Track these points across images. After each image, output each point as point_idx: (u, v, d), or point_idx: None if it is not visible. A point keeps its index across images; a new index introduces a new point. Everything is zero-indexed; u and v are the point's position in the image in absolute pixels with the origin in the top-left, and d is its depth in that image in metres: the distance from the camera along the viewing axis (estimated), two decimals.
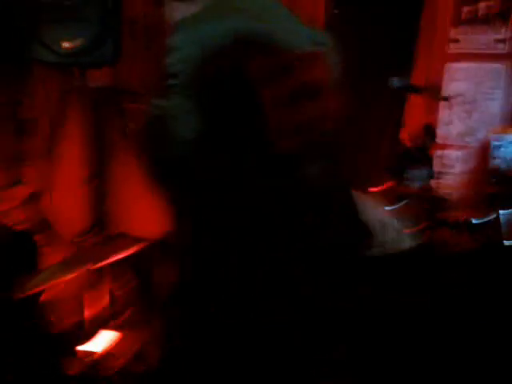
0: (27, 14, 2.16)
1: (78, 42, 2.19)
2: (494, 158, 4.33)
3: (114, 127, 2.90)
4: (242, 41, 1.00)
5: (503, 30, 4.50)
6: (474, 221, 3.73)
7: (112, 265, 2.51)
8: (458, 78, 4.65)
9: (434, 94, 2.28)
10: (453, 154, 4.56)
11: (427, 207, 3.83)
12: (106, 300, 2.51)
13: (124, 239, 2.79)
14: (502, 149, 4.33)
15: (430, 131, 4.09)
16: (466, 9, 4.59)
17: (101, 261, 2.45)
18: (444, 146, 4.56)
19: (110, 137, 2.85)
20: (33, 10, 2.15)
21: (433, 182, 4.20)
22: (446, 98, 2.29)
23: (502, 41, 4.51)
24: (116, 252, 2.53)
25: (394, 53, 4.62)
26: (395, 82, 2.28)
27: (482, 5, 4.54)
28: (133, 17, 2.75)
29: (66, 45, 2.19)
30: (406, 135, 4.51)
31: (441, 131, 4.47)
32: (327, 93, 1.06)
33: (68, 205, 2.66)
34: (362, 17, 4.57)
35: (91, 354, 2.38)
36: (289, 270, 1.15)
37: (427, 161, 4.18)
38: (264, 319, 1.14)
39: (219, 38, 1.00)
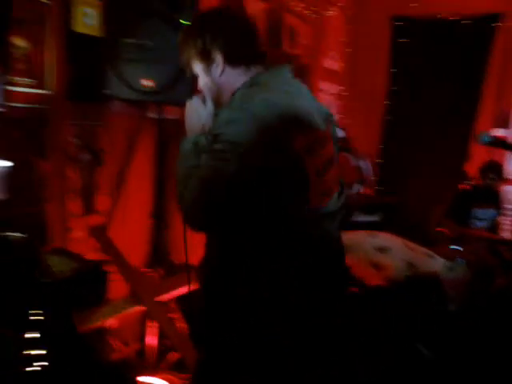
0: (109, 53, 2.23)
1: (156, 81, 2.24)
2: None
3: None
4: (289, 118, 1.19)
5: None
6: None
7: (170, 299, 2.52)
8: None
9: None
10: None
11: (494, 249, 3.65)
12: (163, 333, 2.51)
13: (184, 272, 2.81)
14: None
15: (495, 168, 3.89)
16: None
17: (167, 292, 2.46)
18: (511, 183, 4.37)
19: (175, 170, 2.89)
20: (114, 49, 2.22)
21: (500, 221, 4.01)
22: None
23: None
24: (180, 284, 2.54)
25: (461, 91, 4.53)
26: (483, 137, 2.18)
27: None
28: None
29: (145, 83, 2.24)
30: (471, 172, 4.35)
31: (509, 167, 4.29)
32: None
33: (132, 236, 2.71)
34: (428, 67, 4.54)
35: None
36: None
37: (494, 199, 4.00)
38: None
39: (272, 115, 1.17)
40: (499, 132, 4.52)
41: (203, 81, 1.39)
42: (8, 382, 1.49)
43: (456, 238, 3.77)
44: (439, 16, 4.54)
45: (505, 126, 4.53)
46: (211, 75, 1.36)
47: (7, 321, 1.55)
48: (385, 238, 2.95)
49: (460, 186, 4.22)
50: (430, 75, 4.60)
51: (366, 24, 4.71)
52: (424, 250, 3.03)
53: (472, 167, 4.42)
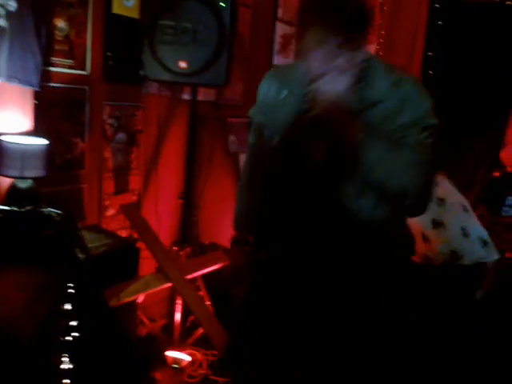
0: (146, 35, 2.25)
1: (191, 63, 2.25)
2: None
3: (215, 142, 2.98)
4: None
5: None
6: None
7: (197, 277, 2.58)
8: None
9: None
10: None
11: None
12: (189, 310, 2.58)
13: (215, 251, 2.87)
14: None
15: None
16: None
17: (192, 272, 2.52)
18: None
19: (208, 152, 2.93)
20: (151, 31, 2.24)
21: None
22: None
23: None
24: (208, 264, 2.60)
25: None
26: None
27: None
28: (244, 39, 2.81)
29: (182, 65, 2.26)
30: (506, 158, 4.24)
31: None
32: None
33: (163, 215, 2.77)
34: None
35: (179, 361, 2.47)
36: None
37: None
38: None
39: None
40: None
41: None
42: (47, 350, 1.57)
43: (488, 226, 3.72)
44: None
45: None
46: None
47: (48, 293, 1.63)
48: (444, 191, 2.75)
49: (494, 174, 4.13)
50: (470, 60, 4.46)
51: (402, 6, 4.59)
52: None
53: (508, 154, 4.31)
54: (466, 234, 2.70)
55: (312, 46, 1.18)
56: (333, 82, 1.19)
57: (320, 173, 1.30)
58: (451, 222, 2.71)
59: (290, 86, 1.34)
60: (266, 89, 1.42)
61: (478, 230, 2.80)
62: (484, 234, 2.81)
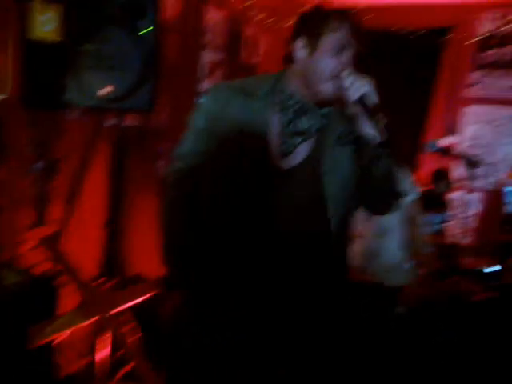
0: (68, 60, 2.17)
1: (115, 89, 2.20)
2: (508, 204, 4.35)
3: (141, 169, 2.91)
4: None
5: None
6: (486, 269, 3.71)
7: (124, 310, 2.48)
8: (478, 121, 4.68)
9: (465, 160, 2.30)
10: (467, 197, 4.57)
11: (441, 253, 3.81)
12: (116, 345, 2.47)
13: (138, 283, 2.78)
14: None
15: (443, 175, 4.06)
16: (489, 53, 4.62)
17: (116, 306, 2.42)
18: (458, 190, 4.57)
19: (134, 179, 2.86)
20: (74, 56, 2.16)
21: (447, 227, 4.19)
22: (475, 164, 2.30)
23: None
24: (131, 297, 2.51)
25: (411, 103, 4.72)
26: (432, 145, 2.29)
27: (502, 50, 4.59)
28: (170, 64, 2.79)
29: (105, 90, 2.20)
30: (420, 179, 4.52)
31: (455, 175, 4.49)
32: None
33: (86, 247, 2.65)
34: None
35: None
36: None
37: (442, 205, 4.18)
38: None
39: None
40: (448, 140, 4.73)
41: None
42: None
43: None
44: (392, 29, 4.70)
45: (454, 134, 4.74)
46: None
47: None
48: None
49: None
50: (382, 86, 4.75)
51: None
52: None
53: (421, 175, 4.61)
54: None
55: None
56: None
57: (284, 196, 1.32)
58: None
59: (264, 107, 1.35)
60: (223, 102, 1.36)
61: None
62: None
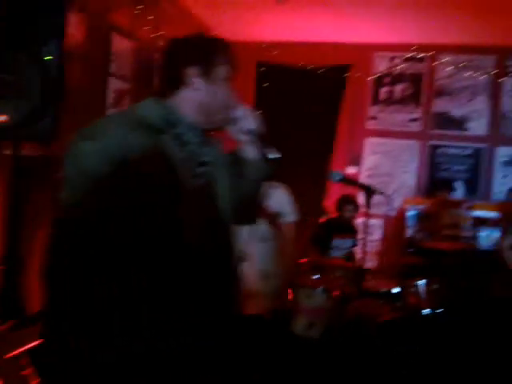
0: None
1: (15, 117, 2.11)
2: (410, 227, 4.65)
3: (41, 201, 2.77)
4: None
5: (416, 111, 4.96)
6: (393, 290, 3.89)
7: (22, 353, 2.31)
8: (377, 152, 5.02)
9: (364, 188, 2.44)
10: (374, 223, 4.83)
11: (351, 277, 3.95)
12: None
13: (38, 324, 2.60)
14: (417, 219, 4.66)
15: (351, 201, 4.25)
16: (383, 90, 5.03)
17: (18, 347, 2.25)
18: (365, 215, 4.81)
19: (33, 211, 2.71)
20: None
21: (356, 251, 4.37)
22: (373, 192, 2.45)
23: (415, 120, 4.97)
24: (33, 337, 2.35)
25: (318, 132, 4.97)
26: (335, 175, 2.41)
27: (397, 87, 5.00)
28: (75, 92, 2.73)
29: (1, 118, 2.10)
30: (330, 205, 4.72)
31: (362, 200, 4.74)
32: None
33: None
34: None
35: None
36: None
37: (350, 229, 4.37)
38: None
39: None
40: (351, 170, 5.01)
41: None
42: None
43: (317, 268, 4.04)
44: (299, 64, 4.96)
45: (357, 164, 5.03)
46: None
47: None
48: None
49: (320, 220, 4.55)
50: (291, 119, 4.97)
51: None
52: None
53: (330, 201, 4.81)
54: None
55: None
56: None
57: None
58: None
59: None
60: (121, 136, 1.19)
61: None
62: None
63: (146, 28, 4.16)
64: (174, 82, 1.31)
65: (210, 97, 1.32)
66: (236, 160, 1.42)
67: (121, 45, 3.44)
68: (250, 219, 1.58)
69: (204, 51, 1.32)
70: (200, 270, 1.28)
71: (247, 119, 1.38)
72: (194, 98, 1.31)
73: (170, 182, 1.24)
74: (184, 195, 1.26)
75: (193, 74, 1.29)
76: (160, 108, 1.30)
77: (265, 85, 5.02)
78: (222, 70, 1.32)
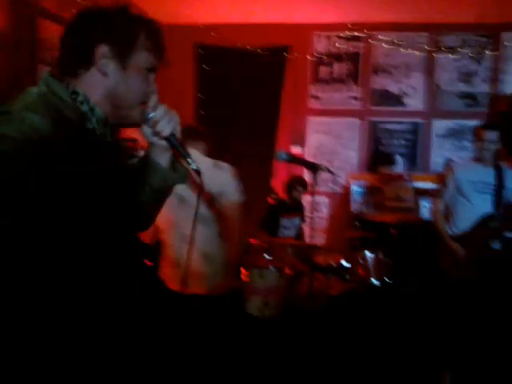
0: None
1: None
2: (355, 202, 4.77)
3: None
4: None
5: (356, 88, 5.06)
6: (344, 264, 4.00)
7: None
8: (320, 131, 5.09)
9: (309, 166, 2.46)
10: (320, 200, 4.92)
11: (301, 254, 4.02)
12: None
13: None
14: (362, 194, 4.78)
15: (300, 181, 4.31)
16: (323, 69, 5.08)
17: None
18: (312, 193, 4.89)
19: None
20: None
21: (304, 228, 4.45)
22: (318, 170, 2.48)
23: (355, 97, 5.07)
24: None
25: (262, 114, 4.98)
26: (281, 155, 2.41)
27: (336, 66, 5.07)
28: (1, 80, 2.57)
29: None
30: (277, 186, 4.76)
31: (308, 179, 4.81)
32: None
33: None
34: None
35: None
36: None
37: (299, 209, 4.43)
38: None
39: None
40: (296, 149, 5.06)
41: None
42: None
43: (268, 248, 4.07)
44: (239, 46, 4.92)
45: (301, 144, 5.08)
46: None
47: None
48: None
49: (269, 200, 4.59)
50: (234, 101, 4.95)
51: (171, 51, 4.87)
52: None
53: (277, 182, 4.85)
54: None
55: None
56: None
57: None
58: None
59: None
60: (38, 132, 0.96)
61: None
62: None
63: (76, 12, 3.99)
64: (81, 61, 1.08)
65: (120, 86, 1.10)
66: (144, 163, 1.22)
67: (49, 30, 3.28)
68: (141, 227, 1.34)
69: (121, 29, 1.08)
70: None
71: (165, 121, 1.14)
72: (101, 83, 1.09)
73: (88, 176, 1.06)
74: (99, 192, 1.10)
75: (102, 54, 1.07)
76: (69, 94, 1.08)
77: (205, 67, 4.96)
78: (141, 57, 1.10)
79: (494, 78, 4.95)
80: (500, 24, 4.85)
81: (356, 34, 4.98)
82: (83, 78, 1.09)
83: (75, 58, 1.08)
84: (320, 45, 5.08)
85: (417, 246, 4.13)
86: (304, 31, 5.00)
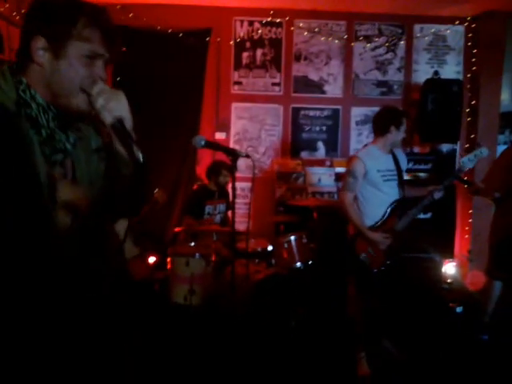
0: None
1: None
2: (278, 188, 4.85)
3: None
4: None
5: (278, 75, 5.10)
6: (268, 248, 4.06)
7: None
8: (243, 117, 5.09)
9: (229, 153, 2.45)
10: (243, 186, 4.94)
11: (225, 241, 4.03)
12: None
13: None
14: (285, 179, 4.87)
15: (225, 166, 4.28)
16: (245, 54, 5.07)
17: None
18: (236, 179, 4.89)
19: None
20: None
21: (229, 215, 4.45)
22: (238, 156, 2.47)
23: (277, 84, 5.11)
24: None
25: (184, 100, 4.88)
26: (198, 141, 2.37)
27: (258, 52, 5.07)
28: None
29: None
30: (201, 173, 4.71)
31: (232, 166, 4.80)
32: None
33: None
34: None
35: None
36: None
37: (223, 195, 4.42)
38: None
39: None
40: (220, 135, 5.03)
41: None
42: None
43: (193, 235, 4.04)
44: (158, 28, 4.76)
45: (226, 130, 5.05)
46: None
47: None
48: None
49: (194, 187, 4.54)
50: (153, 85, 4.80)
51: None
52: None
53: (201, 168, 4.81)
54: None
55: None
56: None
57: None
58: None
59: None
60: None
61: None
62: None
63: (6, 6, 3.69)
64: (22, 53, 1.14)
65: (55, 75, 1.14)
66: (109, 151, 1.25)
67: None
68: (130, 213, 1.41)
69: (54, 19, 1.12)
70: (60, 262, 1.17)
71: (109, 107, 1.15)
72: (39, 73, 1.14)
73: (23, 168, 1.08)
74: (40, 184, 1.11)
75: (38, 46, 1.12)
76: (10, 83, 1.13)
77: (123, 50, 4.75)
78: (78, 46, 1.13)
79: (407, 67, 5.21)
80: (413, 16, 5.10)
81: (276, 20, 5.01)
82: (28, 69, 1.15)
83: (19, 51, 1.16)
84: (241, 30, 5.06)
85: (337, 229, 4.28)
86: (225, 15, 4.94)
